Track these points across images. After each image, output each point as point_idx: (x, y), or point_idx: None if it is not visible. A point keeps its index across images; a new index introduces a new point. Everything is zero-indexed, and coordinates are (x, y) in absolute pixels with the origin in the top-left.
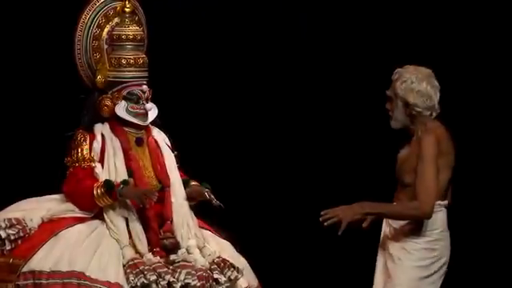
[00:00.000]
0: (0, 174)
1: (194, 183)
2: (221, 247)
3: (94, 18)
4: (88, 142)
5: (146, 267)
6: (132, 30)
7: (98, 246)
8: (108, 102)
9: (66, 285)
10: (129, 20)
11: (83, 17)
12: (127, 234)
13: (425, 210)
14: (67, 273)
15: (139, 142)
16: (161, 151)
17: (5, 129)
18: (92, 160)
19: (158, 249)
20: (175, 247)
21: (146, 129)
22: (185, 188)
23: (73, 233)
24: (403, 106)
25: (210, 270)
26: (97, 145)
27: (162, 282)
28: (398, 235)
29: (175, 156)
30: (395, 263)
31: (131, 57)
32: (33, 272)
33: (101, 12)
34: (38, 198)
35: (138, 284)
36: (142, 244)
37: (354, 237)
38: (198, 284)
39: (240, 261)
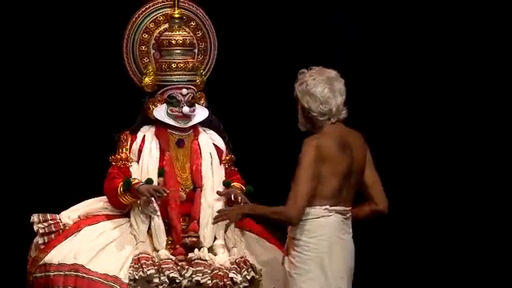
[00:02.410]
0: (69, 173)
1: (235, 184)
2: (263, 250)
3: (141, 24)
4: (129, 142)
5: (149, 262)
6: (178, 35)
7: (110, 242)
8: (152, 105)
9: (67, 277)
10: (176, 25)
11: (132, 22)
12: (145, 231)
13: (289, 214)
14: (70, 265)
15: (180, 143)
16: (201, 153)
17: (73, 131)
18: (129, 160)
19: (178, 247)
20: (195, 246)
21: (194, 131)
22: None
23: (92, 229)
24: (301, 109)
25: (229, 269)
26: (135, 146)
27: (161, 277)
28: (289, 246)
29: (229, 159)
30: (288, 280)
31: (173, 61)
32: (45, 265)
33: (150, 18)
34: (101, 197)
35: (137, 277)
36: (159, 241)
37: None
38: (210, 282)
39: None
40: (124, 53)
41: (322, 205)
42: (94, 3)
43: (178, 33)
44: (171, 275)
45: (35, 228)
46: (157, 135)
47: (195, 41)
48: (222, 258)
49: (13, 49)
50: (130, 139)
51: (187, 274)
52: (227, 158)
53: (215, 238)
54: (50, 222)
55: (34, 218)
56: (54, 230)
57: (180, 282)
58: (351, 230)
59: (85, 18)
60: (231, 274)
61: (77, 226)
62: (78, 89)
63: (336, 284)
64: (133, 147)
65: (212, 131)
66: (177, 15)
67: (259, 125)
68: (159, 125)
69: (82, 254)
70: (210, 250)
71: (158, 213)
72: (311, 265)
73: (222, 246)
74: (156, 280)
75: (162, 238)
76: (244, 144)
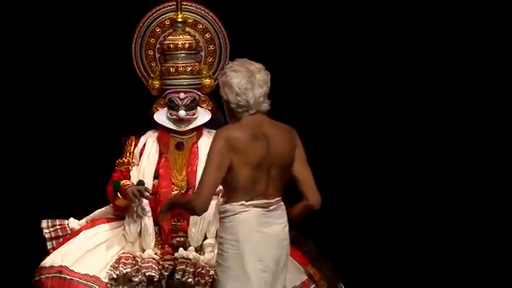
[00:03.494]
0: (90, 180)
1: None
2: None
3: (148, 28)
4: (132, 146)
5: (128, 261)
6: (179, 39)
7: (100, 243)
8: (155, 109)
9: (52, 279)
10: (179, 29)
11: (139, 26)
12: (135, 232)
13: (193, 204)
14: (57, 267)
15: (179, 146)
16: (198, 156)
17: (92, 137)
18: (130, 163)
19: (166, 246)
20: (182, 245)
21: (198, 133)
22: None
23: (89, 232)
24: (223, 101)
25: (213, 267)
26: (137, 149)
27: (139, 276)
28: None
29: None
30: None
31: (172, 65)
32: (40, 269)
33: (156, 22)
34: None
35: (114, 276)
36: (146, 241)
37: None
38: (192, 280)
39: None
40: (133, 57)
41: (238, 200)
42: (106, 6)
43: (178, 37)
44: (148, 274)
45: (43, 233)
46: (158, 138)
47: (203, 44)
48: (207, 257)
49: (22, 54)
50: (133, 143)
51: (166, 273)
52: None
53: (206, 237)
54: (57, 227)
55: (43, 223)
56: (60, 234)
57: (159, 280)
58: (283, 221)
59: (96, 23)
60: (212, 272)
61: (78, 231)
62: (92, 94)
63: (258, 280)
64: (135, 151)
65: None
66: (180, 19)
67: None
68: (162, 128)
69: (69, 256)
70: (200, 248)
71: (149, 214)
72: (232, 262)
73: (210, 245)
74: (135, 279)
75: (149, 238)
76: None
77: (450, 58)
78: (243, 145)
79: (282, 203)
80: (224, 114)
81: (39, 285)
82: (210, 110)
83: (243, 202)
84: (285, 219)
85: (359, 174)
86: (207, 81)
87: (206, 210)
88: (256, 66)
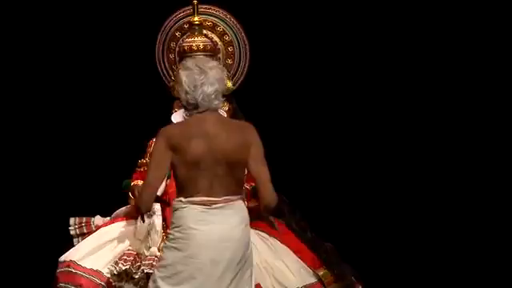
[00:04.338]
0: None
1: None
2: (267, 249)
3: (169, 32)
4: (151, 148)
5: (130, 258)
6: (195, 41)
7: (111, 239)
8: (173, 110)
9: (62, 273)
10: (195, 32)
11: (161, 31)
12: (144, 230)
13: (137, 203)
14: (67, 262)
15: None
16: None
17: (121, 137)
18: (146, 165)
19: None
20: None
21: None
22: None
23: (105, 229)
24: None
25: None
26: None
27: (139, 273)
28: None
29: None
30: None
31: None
32: (57, 264)
33: (175, 27)
34: None
35: (115, 272)
36: (153, 240)
37: None
38: None
39: (277, 264)
40: (157, 61)
41: (178, 197)
42: (130, 10)
43: (194, 39)
44: (146, 271)
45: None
46: None
47: (221, 46)
48: None
49: (43, 57)
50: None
51: None
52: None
53: None
54: (83, 224)
55: (71, 221)
56: (85, 231)
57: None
58: (233, 221)
59: (118, 26)
60: None
61: (98, 228)
62: (121, 97)
63: (188, 278)
64: None
65: None
66: (196, 22)
67: (292, 128)
68: None
69: (79, 251)
70: None
71: (158, 212)
72: (168, 254)
73: None
74: (136, 276)
75: (156, 236)
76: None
77: (443, 53)
78: (179, 143)
79: (236, 202)
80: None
81: (54, 278)
82: (227, 111)
83: (181, 199)
84: (238, 220)
85: (378, 178)
86: (227, 83)
87: (149, 208)
88: (209, 65)
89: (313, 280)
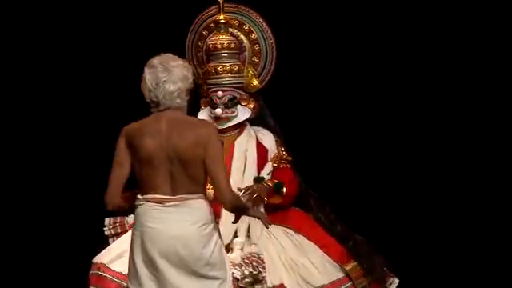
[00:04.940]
0: None
1: (266, 180)
2: (292, 246)
3: (197, 31)
4: None
5: None
6: (220, 39)
7: None
8: (201, 108)
9: (93, 276)
10: (220, 30)
11: (191, 29)
12: None
13: (104, 201)
14: (97, 264)
15: None
16: (233, 154)
17: None
18: None
19: None
20: None
21: (239, 132)
22: None
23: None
24: None
25: (236, 265)
26: None
27: None
28: None
29: (277, 157)
30: None
31: (210, 65)
32: (91, 264)
33: (203, 24)
34: None
35: None
36: None
37: None
38: None
39: (302, 262)
40: (188, 59)
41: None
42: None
43: (219, 37)
44: None
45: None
46: None
47: (247, 44)
48: (234, 255)
49: (86, 60)
50: None
51: None
52: (276, 155)
53: (236, 235)
54: (117, 224)
55: (106, 221)
56: (119, 231)
57: None
58: (188, 219)
59: (148, 26)
60: (233, 270)
61: (131, 227)
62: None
63: (143, 274)
64: None
65: (265, 131)
66: (222, 20)
67: (321, 124)
68: None
69: (110, 253)
70: (228, 246)
71: None
72: (130, 250)
73: (240, 244)
74: None
75: None
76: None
77: (448, 54)
78: (134, 141)
79: (192, 201)
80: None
81: (87, 280)
82: (251, 109)
83: (138, 196)
84: (191, 218)
85: (414, 173)
86: (253, 80)
87: (115, 205)
88: (174, 63)
89: (340, 275)
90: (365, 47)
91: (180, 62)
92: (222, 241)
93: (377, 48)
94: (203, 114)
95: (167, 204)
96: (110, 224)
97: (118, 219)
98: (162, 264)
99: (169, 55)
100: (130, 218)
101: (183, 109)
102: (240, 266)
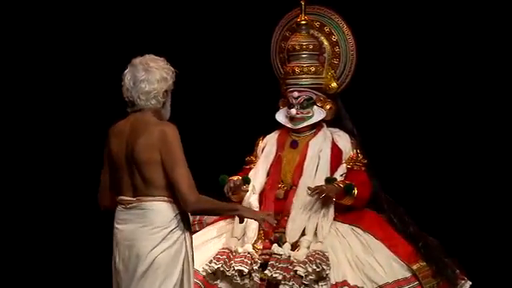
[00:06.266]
0: None
1: (337, 182)
2: (359, 244)
3: (281, 33)
4: (259, 145)
5: (223, 256)
6: (298, 40)
7: (211, 238)
8: (279, 108)
9: None
10: (298, 31)
11: (275, 31)
12: (241, 228)
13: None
14: None
15: (293, 144)
16: (307, 154)
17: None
18: (253, 161)
19: (267, 241)
20: (278, 241)
21: (315, 132)
22: None
23: (210, 228)
24: None
25: (300, 263)
26: (259, 148)
27: (230, 271)
28: None
29: (352, 159)
30: None
31: (291, 66)
32: None
33: (287, 26)
34: None
35: (209, 271)
36: (248, 236)
37: None
38: (278, 275)
39: (368, 260)
40: (272, 61)
41: None
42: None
43: (297, 38)
44: (237, 268)
45: None
46: (278, 137)
47: (327, 46)
48: (300, 253)
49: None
50: (260, 142)
51: (255, 267)
52: (351, 157)
53: (303, 234)
54: (196, 222)
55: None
56: (197, 229)
57: (248, 274)
58: (142, 221)
59: (232, 27)
60: (297, 267)
61: (208, 225)
62: (237, 95)
63: (115, 274)
64: (258, 150)
65: (341, 132)
66: (303, 21)
67: (400, 127)
68: (283, 127)
69: None
70: (296, 244)
71: (257, 209)
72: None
73: (306, 242)
74: (228, 274)
75: (251, 233)
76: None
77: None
78: (107, 141)
79: (148, 203)
80: (345, 114)
81: None
82: (327, 110)
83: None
84: (147, 221)
85: (490, 178)
86: (332, 82)
87: (104, 207)
88: (153, 64)
89: (407, 274)
90: (445, 50)
91: (161, 63)
92: (187, 246)
93: (457, 50)
94: (281, 114)
95: (129, 206)
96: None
97: (197, 218)
98: (122, 267)
99: (151, 56)
100: (208, 218)
101: (159, 111)
102: (304, 263)
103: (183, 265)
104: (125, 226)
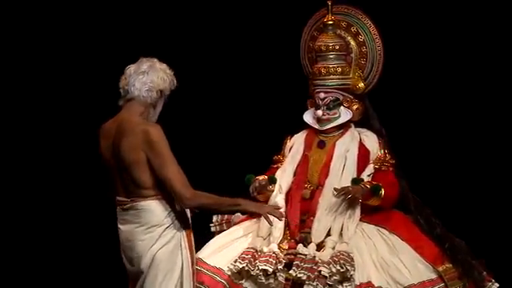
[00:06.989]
0: None
1: (364, 182)
2: (385, 245)
3: (309, 32)
4: (286, 144)
5: (248, 256)
6: (325, 40)
7: (237, 237)
8: (307, 108)
9: None
10: (325, 32)
11: (304, 31)
12: (267, 228)
13: None
14: (196, 259)
15: (320, 144)
16: (332, 154)
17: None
18: (280, 161)
19: (292, 240)
20: (303, 241)
21: (342, 133)
22: None
23: (236, 227)
24: None
25: (324, 263)
26: (286, 148)
27: (255, 270)
28: None
29: (379, 160)
30: None
31: (319, 66)
32: None
33: (315, 26)
34: None
35: (234, 270)
36: (273, 236)
37: None
38: (302, 275)
39: (393, 261)
40: (302, 61)
41: None
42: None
43: (324, 38)
44: (261, 267)
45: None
46: (306, 137)
47: (354, 46)
48: (325, 253)
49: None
50: (287, 141)
51: (280, 267)
52: (378, 158)
53: (329, 234)
54: (223, 221)
55: (214, 218)
56: (225, 228)
57: (273, 274)
58: (137, 221)
59: (257, 28)
60: (321, 268)
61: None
62: (264, 94)
63: (128, 270)
64: (285, 150)
65: (369, 133)
66: (329, 22)
67: (427, 127)
68: (311, 127)
69: (207, 249)
70: (321, 244)
71: (282, 209)
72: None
73: (332, 242)
74: (252, 273)
75: (276, 232)
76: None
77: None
78: (102, 142)
79: (140, 204)
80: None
81: None
82: (354, 110)
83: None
84: (141, 221)
85: None
86: (359, 82)
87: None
88: (159, 66)
89: (432, 276)
90: (473, 49)
91: (166, 68)
92: (185, 241)
93: (486, 48)
94: (308, 115)
95: (124, 207)
96: (217, 221)
97: (225, 217)
98: (128, 264)
99: (159, 61)
100: (235, 217)
101: (147, 107)
102: (328, 263)
103: (182, 261)
104: (125, 227)
